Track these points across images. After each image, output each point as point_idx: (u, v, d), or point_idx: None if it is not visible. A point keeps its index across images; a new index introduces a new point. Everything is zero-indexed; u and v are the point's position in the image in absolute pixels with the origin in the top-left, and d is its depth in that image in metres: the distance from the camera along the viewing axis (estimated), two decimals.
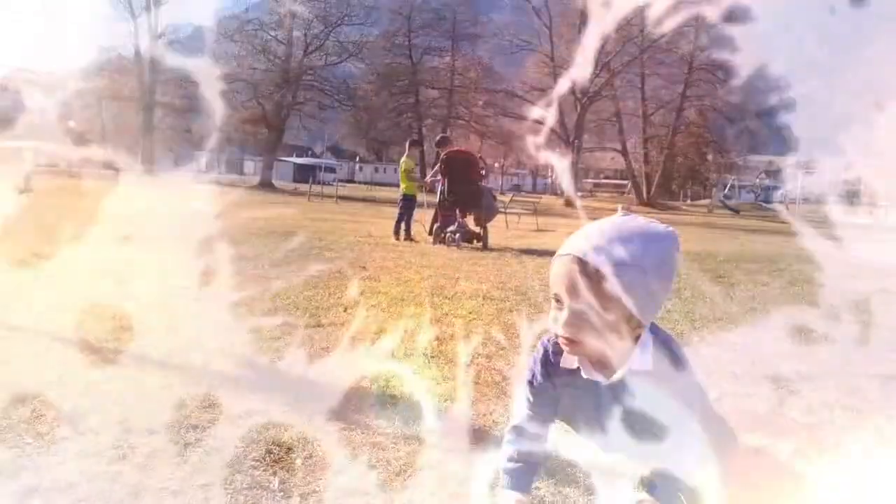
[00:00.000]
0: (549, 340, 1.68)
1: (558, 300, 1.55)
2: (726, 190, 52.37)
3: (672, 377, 1.58)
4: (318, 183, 36.46)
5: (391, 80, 50.62)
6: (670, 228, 1.61)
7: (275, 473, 1.75)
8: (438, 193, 11.27)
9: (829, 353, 3.52)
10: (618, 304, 1.49)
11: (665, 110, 51.39)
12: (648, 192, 49.09)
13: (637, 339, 1.56)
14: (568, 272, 1.52)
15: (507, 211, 16.17)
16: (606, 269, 1.48)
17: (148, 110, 48.88)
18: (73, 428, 2.01)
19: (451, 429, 2.18)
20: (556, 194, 57.26)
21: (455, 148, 11.57)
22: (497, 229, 13.15)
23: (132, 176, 42.68)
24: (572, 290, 1.52)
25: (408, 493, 1.71)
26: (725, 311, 4.79)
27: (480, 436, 2.10)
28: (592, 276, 1.49)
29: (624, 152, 51.56)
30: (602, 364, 1.60)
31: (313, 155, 76.56)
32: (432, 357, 3.09)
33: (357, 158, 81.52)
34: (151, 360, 2.84)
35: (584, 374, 1.63)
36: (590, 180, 72.61)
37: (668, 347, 1.60)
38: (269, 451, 1.91)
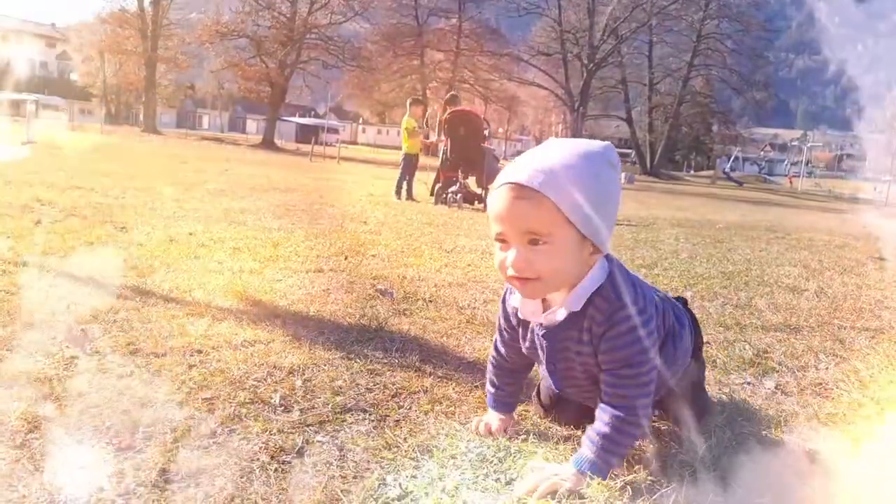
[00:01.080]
0: None
1: (502, 239, 1.45)
2: (730, 162, 52.17)
3: (605, 325, 1.48)
4: (321, 143, 36.35)
5: (396, 41, 49.97)
6: (605, 142, 1.52)
7: (276, 391, 1.82)
8: (441, 154, 11.26)
9: (818, 307, 3.58)
10: (565, 225, 1.39)
11: (672, 79, 50.93)
12: (652, 162, 48.90)
13: (590, 270, 1.49)
14: (507, 203, 1.41)
15: None
16: (545, 189, 1.37)
17: (150, 65, 48.32)
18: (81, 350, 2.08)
19: (445, 359, 2.25)
20: None
21: (459, 108, 11.51)
22: None
23: (134, 131, 42.64)
24: (514, 221, 1.41)
25: (402, 412, 1.78)
26: (721, 271, 4.85)
27: (476, 367, 2.18)
28: (535, 199, 1.38)
29: (629, 121, 51.23)
30: (553, 299, 1.53)
31: (316, 115, 76.02)
32: (429, 301, 3.16)
33: (360, 120, 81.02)
34: (157, 294, 2.91)
35: (520, 315, 1.59)
36: None
37: (613, 293, 1.49)
38: (270, 374, 1.99)
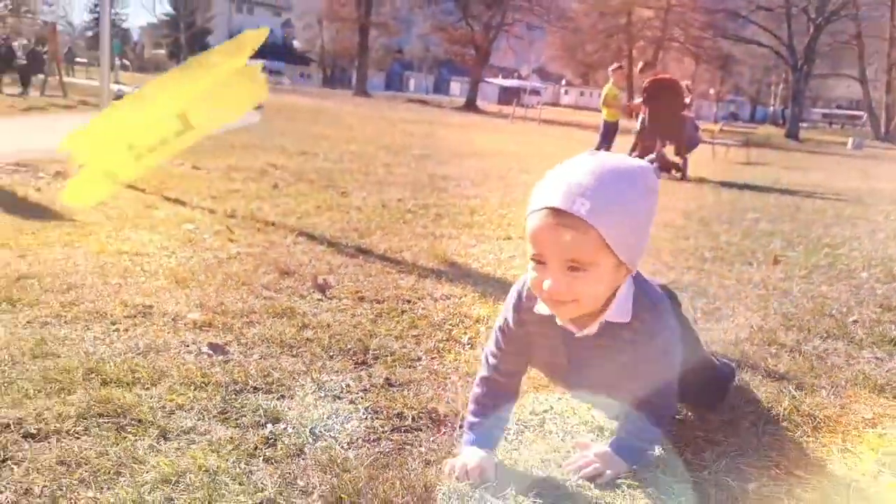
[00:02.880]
0: (522, 285, 1.58)
1: (539, 260, 1.42)
2: None
3: (648, 332, 1.52)
4: (522, 105, 36.81)
5: (603, 0, 48.71)
6: (644, 163, 1.51)
7: (465, 333, 2.36)
8: (639, 122, 11.26)
9: None
10: (606, 254, 1.38)
11: None
12: (888, 127, 43.83)
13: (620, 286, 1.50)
14: (548, 228, 1.37)
15: (715, 142, 15.60)
16: (592, 218, 1.34)
17: (363, 31, 51.32)
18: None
19: None
20: (776, 124, 53.02)
21: (659, 75, 11.40)
22: (702, 160, 12.80)
23: (346, 94, 45.48)
24: (557, 250, 1.38)
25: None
26: None
27: None
28: (577, 227, 1.34)
29: (862, 80, 46.07)
30: (585, 314, 1.51)
31: (519, 77, 76.38)
32: None
33: (563, 81, 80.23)
34: (375, 253, 3.57)
35: (559, 322, 1.53)
36: (818, 110, 66.15)
37: (651, 300, 1.54)
38: (461, 321, 2.53)
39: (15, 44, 21.21)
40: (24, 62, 19.79)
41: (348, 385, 1.88)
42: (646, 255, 3.88)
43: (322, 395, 1.83)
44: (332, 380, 1.92)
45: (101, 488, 1.30)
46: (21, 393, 1.65)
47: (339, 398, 1.81)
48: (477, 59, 47.17)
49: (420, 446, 1.61)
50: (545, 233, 1.37)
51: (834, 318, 2.89)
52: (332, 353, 2.11)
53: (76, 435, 1.49)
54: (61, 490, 1.29)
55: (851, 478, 1.60)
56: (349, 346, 2.17)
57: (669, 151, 10.57)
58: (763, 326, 2.72)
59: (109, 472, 1.37)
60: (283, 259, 3.26)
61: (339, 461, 1.48)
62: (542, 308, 1.53)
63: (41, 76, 19.67)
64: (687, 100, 11.27)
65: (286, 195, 5.29)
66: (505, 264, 3.55)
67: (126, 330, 2.18)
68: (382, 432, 1.66)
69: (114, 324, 2.22)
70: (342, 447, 1.57)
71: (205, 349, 2.05)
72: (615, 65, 12.57)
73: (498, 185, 7.07)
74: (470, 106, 42.92)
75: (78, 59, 39.79)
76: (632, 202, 1.38)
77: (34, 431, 1.49)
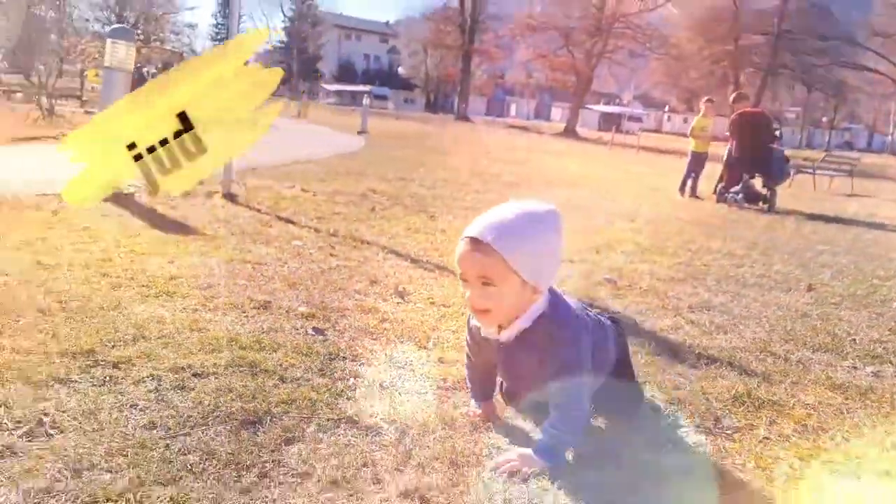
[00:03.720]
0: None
1: (464, 279, 1.86)
2: None
3: (547, 341, 1.88)
4: (622, 132, 36.88)
5: (710, 26, 48.07)
6: (551, 207, 1.89)
7: None
8: (726, 153, 11.47)
9: None
10: (511, 274, 1.78)
11: None
12: None
13: (532, 303, 1.88)
14: (466, 252, 1.81)
15: (817, 172, 15.37)
16: (497, 244, 1.75)
17: (466, 58, 52.72)
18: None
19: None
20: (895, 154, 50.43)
21: (748, 108, 11.59)
22: (801, 191, 12.75)
23: (447, 119, 46.49)
24: (471, 268, 1.82)
25: None
26: None
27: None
28: (486, 252, 1.77)
29: None
30: (504, 323, 1.92)
31: (620, 103, 75.96)
32: (646, 290, 4.07)
33: (666, 108, 79.10)
34: (449, 269, 4.22)
35: (483, 334, 1.99)
36: None
37: (553, 316, 1.89)
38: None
39: (145, 70, 23.42)
40: None
41: (410, 360, 2.55)
42: (690, 279, 4.37)
43: (391, 364, 2.51)
44: (399, 355, 2.60)
45: (245, 406, 2.02)
46: (187, 350, 2.41)
47: (402, 367, 2.48)
48: (578, 86, 47.57)
49: (451, 399, 2.26)
50: (465, 256, 1.82)
51: (836, 336, 3.32)
52: (402, 339, 2.79)
53: (225, 376, 2.23)
54: (218, 405, 2.01)
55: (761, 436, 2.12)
56: (415, 335, 2.84)
57: (757, 183, 10.71)
58: (763, 339, 3.19)
59: (249, 398, 2.09)
60: (373, 271, 3.97)
61: (397, 399, 2.15)
62: (476, 321, 2.01)
63: None
64: (777, 133, 11.41)
65: (382, 217, 6.04)
66: (559, 285, 4.13)
67: (252, 316, 2.92)
68: (429, 389, 2.33)
69: (243, 312, 2.97)
70: (400, 393, 2.24)
71: (310, 331, 2.78)
72: (706, 98, 12.82)
73: (578, 214, 7.50)
74: (569, 132, 43.25)
75: None
76: (531, 235, 1.80)
77: (199, 372, 2.24)
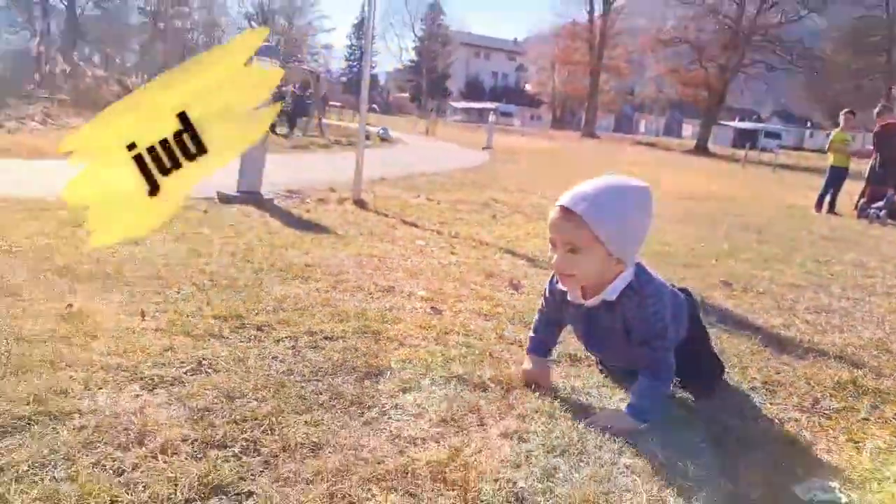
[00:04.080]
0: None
1: (553, 243, 1.99)
2: None
3: (635, 311, 1.99)
4: (757, 149, 35.27)
5: (859, 37, 45.12)
6: (644, 183, 2.00)
7: None
8: (869, 167, 10.90)
9: None
10: (597, 244, 1.89)
11: None
12: None
13: (619, 274, 1.99)
14: (556, 220, 1.94)
15: None
16: (586, 216, 1.86)
17: (594, 74, 52.29)
18: None
19: None
20: None
21: (892, 120, 10.96)
22: None
23: (574, 136, 46.16)
24: (560, 235, 1.94)
25: None
26: None
27: None
28: (574, 221, 1.88)
29: None
30: (590, 290, 2.05)
31: (758, 119, 72.64)
32: (762, 291, 4.04)
33: (808, 124, 74.87)
34: None
35: (569, 298, 2.11)
36: None
37: (640, 288, 1.99)
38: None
39: (284, 88, 24.90)
40: (292, 107, 23.23)
41: (519, 338, 2.72)
42: (813, 286, 4.28)
43: (501, 339, 2.71)
44: (509, 333, 2.79)
45: (369, 361, 2.30)
46: (319, 320, 2.71)
47: (511, 343, 2.67)
48: (710, 101, 46.01)
49: (559, 370, 2.42)
50: (555, 223, 1.95)
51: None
52: (513, 322, 2.97)
53: (352, 340, 2.51)
54: (345, 360, 2.27)
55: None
56: (526, 319, 3.01)
57: None
58: (881, 338, 3.14)
59: (373, 356, 2.36)
60: (489, 267, 4.18)
61: (503, 366, 2.34)
62: (562, 286, 2.13)
63: (305, 118, 22.91)
64: None
65: (502, 224, 6.25)
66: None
67: (377, 297, 3.20)
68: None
69: (369, 294, 3.25)
70: (508, 363, 2.43)
71: (428, 310, 3.02)
72: (846, 110, 12.20)
73: (698, 224, 7.39)
74: (700, 149, 41.88)
75: (331, 103, 44.62)
76: (620, 210, 1.90)
77: (329, 336, 2.54)
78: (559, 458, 1.72)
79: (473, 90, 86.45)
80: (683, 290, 2.33)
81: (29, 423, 1.66)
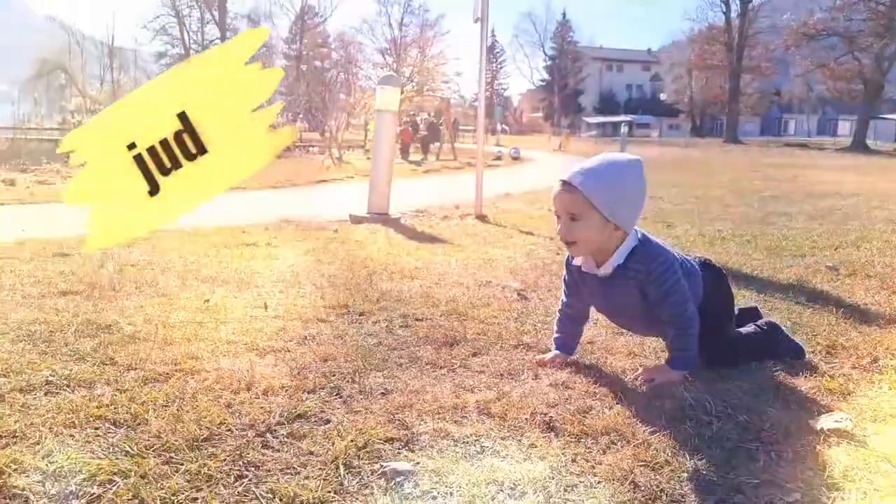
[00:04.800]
0: None
1: (557, 214, 2.18)
2: None
3: (645, 274, 2.15)
4: None
5: None
6: (635, 157, 2.21)
7: None
8: None
9: None
10: (593, 212, 2.09)
11: None
12: None
13: (622, 241, 2.15)
14: (558, 192, 2.15)
15: None
16: (582, 186, 2.08)
17: (734, 77, 50.20)
18: None
19: None
20: None
21: None
22: None
23: (715, 143, 44.29)
24: (561, 205, 2.14)
25: None
26: None
27: None
28: (572, 192, 2.10)
29: None
30: (600, 261, 2.21)
31: None
32: (870, 276, 3.94)
33: None
34: None
35: (583, 269, 2.28)
36: None
37: (645, 253, 2.16)
38: None
39: (418, 118, 25.98)
40: (425, 133, 24.18)
41: (598, 317, 2.92)
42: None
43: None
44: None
45: (447, 334, 2.61)
46: (414, 307, 3.07)
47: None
48: (867, 95, 42.78)
49: (620, 340, 2.60)
50: (557, 195, 2.16)
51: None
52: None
53: (439, 320, 2.84)
54: (429, 335, 2.59)
55: None
56: None
57: None
58: None
59: (452, 331, 2.67)
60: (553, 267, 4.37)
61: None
62: (577, 261, 2.30)
63: (437, 144, 23.77)
64: None
65: None
66: (777, 272, 4.15)
67: (473, 290, 3.50)
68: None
69: (467, 287, 3.56)
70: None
71: (515, 297, 3.29)
72: None
73: (832, 219, 7.07)
74: (858, 146, 39.00)
75: (462, 127, 45.17)
76: (612, 179, 2.13)
77: (420, 318, 2.89)
78: (595, 400, 1.94)
79: (608, 104, 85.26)
80: (704, 263, 2.44)
81: (167, 377, 2.12)
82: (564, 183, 2.13)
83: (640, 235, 2.21)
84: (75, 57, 69.13)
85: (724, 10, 53.26)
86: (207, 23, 68.86)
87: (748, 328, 2.49)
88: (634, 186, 2.17)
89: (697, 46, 57.11)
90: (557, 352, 2.38)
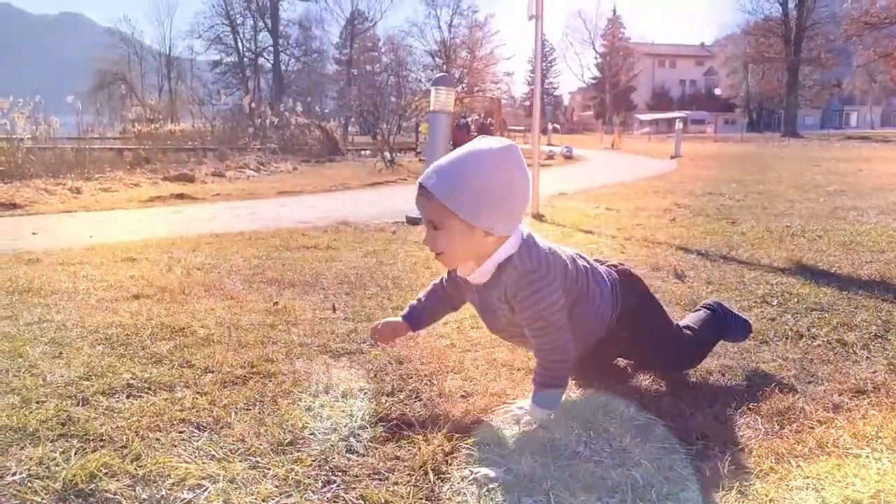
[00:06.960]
0: None
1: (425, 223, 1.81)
2: None
3: (514, 288, 1.80)
4: None
5: None
6: (505, 144, 1.77)
7: None
8: None
9: None
10: (452, 218, 1.72)
11: None
12: None
13: (499, 247, 1.79)
14: (417, 198, 1.78)
15: None
16: (434, 189, 1.71)
17: (792, 69, 48.72)
18: None
19: None
20: None
21: None
22: None
23: (773, 137, 43.24)
24: (422, 212, 1.79)
25: None
26: None
27: None
28: (427, 196, 1.74)
29: None
30: (477, 267, 1.84)
31: None
32: None
33: None
34: (731, 256, 4.30)
35: (459, 273, 1.94)
36: None
37: (520, 263, 1.79)
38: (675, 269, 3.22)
39: (469, 119, 25.93)
40: (476, 134, 24.12)
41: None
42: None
43: None
44: None
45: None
46: None
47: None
48: None
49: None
50: (417, 201, 1.79)
51: None
52: (668, 305, 3.06)
53: None
54: (499, 341, 2.54)
55: None
56: (683, 302, 3.09)
57: None
58: None
59: None
60: (658, 262, 4.25)
61: None
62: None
63: None
64: None
65: (681, 226, 6.19)
66: (857, 268, 3.98)
67: None
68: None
69: None
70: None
71: None
72: None
73: (888, 217, 6.81)
74: None
75: (511, 127, 44.42)
76: (470, 177, 1.71)
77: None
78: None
79: (660, 100, 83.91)
80: (620, 270, 2.15)
81: (245, 380, 2.12)
82: (420, 186, 1.77)
83: (524, 238, 1.84)
84: (134, 67, 71.47)
85: (781, 1, 51.73)
86: (260, 30, 70.34)
87: (694, 314, 2.34)
88: (501, 181, 1.74)
89: (753, 39, 55.62)
90: (402, 321, 2.12)
